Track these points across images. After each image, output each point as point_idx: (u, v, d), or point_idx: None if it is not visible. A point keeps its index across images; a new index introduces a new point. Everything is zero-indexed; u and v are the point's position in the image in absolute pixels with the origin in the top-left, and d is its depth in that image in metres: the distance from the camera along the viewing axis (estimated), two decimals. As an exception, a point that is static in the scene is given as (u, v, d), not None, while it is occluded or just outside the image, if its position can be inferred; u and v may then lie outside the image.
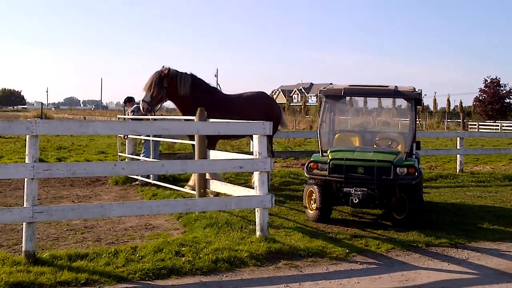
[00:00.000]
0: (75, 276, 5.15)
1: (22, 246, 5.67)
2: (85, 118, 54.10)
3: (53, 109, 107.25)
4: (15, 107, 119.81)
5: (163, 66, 10.24)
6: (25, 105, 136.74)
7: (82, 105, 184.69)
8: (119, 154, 12.38)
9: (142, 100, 10.09)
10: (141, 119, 11.27)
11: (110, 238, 6.95)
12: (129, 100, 12.46)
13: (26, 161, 5.57)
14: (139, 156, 11.77)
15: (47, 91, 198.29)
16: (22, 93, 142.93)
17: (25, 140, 5.70)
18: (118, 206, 6.16)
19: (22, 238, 5.69)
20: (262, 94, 11.53)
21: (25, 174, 5.53)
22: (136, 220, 7.98)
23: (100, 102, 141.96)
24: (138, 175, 11.02)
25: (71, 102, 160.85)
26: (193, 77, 10.34)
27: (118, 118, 13.31)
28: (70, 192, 10.57)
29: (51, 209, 5.76)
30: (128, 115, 12.21)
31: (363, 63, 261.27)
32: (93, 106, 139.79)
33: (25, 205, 5.57)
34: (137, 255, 5.82)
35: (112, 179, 11.61)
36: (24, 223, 5.59)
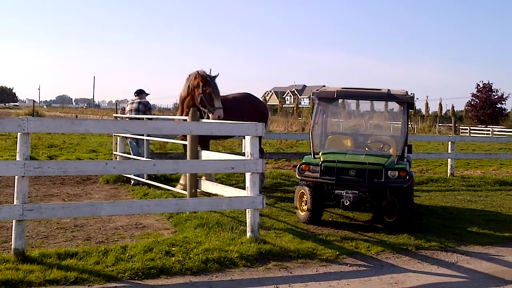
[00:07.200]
0: (65, 275, 5.13)
1: (11, 244, 5.63)
2: (76, 116, 53.92)
3: (45, 107, 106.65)
4: (6, 104, 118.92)
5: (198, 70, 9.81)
6: (16, 102, 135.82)
7: (74, 103, 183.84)
8: (114, 153, 12.30)
9: (221, 108, 9.59)
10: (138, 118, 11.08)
11: (100, 237, 6.92)
12: (140, 93, 11.90)
13: (17, 159, 5.55)
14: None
15: (39, 89, 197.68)
16: (13, 90, 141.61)
17: (16, 137, 5.66)
18: (109, 205, 6.13)
19: (11, 235, 5.65)
20: (249, 95, 11.55)
21: (15, 172, 5.50)
22: (126, 219, 7.95)
23: (92, 101, 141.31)
24: (129, 174, 10.95)
25: (63, 100, 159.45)
26: None
27: (120, 116, 12.85)
28: (60, 190, 10.52)
29: (41, 207, 5.74)
30: (132, 105, 11.58)
31: (356, 65, 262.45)
32: (85, 105, 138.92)
33: (15, 203, 5.54)
34: (127, 254, 5.80)
35: (103, 178, 11.56)
36: (13, 221, 5.56)
